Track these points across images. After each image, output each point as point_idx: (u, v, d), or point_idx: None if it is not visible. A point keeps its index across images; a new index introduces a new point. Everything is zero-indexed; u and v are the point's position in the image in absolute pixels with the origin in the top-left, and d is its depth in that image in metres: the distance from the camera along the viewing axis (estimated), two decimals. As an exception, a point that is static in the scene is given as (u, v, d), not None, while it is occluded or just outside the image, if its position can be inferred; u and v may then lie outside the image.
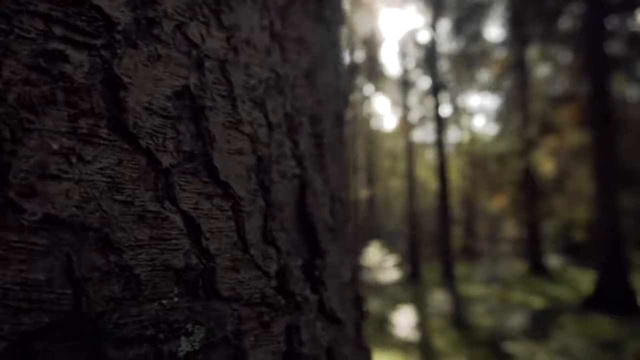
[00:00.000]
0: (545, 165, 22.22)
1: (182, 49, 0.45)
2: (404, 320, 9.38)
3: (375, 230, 24.77)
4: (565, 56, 18.80)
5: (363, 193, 27.51)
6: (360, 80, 26.43)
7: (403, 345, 9.04)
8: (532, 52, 19.75)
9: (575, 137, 17.92)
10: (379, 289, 12.23)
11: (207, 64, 0.48)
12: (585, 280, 15.05)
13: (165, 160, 0.42)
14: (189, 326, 0.40)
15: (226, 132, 0.49)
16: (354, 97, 26.27)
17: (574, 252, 20.32)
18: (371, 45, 23.27)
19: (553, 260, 20.10)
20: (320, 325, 0.58)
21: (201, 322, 0.41)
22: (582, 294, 13.02)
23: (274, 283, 0.51)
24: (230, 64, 0.51)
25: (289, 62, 0.61)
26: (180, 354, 0.39)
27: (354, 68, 25.43)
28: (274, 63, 0.57)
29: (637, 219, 18.34)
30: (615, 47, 17.02)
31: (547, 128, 18.61)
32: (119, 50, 0.39)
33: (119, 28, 0.39)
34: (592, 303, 11.95)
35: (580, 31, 14.07)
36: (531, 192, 19.34)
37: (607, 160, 12.53)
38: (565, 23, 16.55)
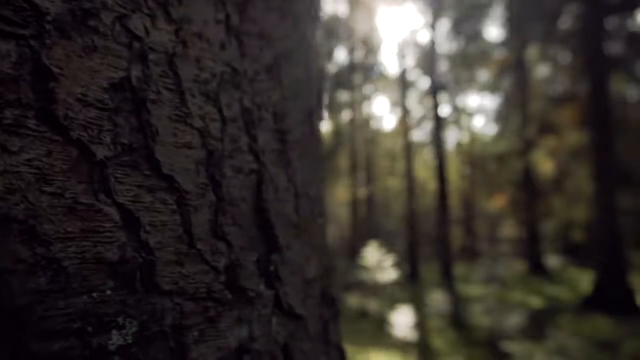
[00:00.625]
0: (545, 165, 22.22)
1: (122, 41, 0.44)
2: (402, 320, 9.36)
3: (374, 230, 24.75)
4: (565, 56, 18.80)
5: (362, 193, 27.51)
6: (359, 79, 26.43)
7: (401, 345, 9.04)
8: (532, 52, 19.75)
9: (575, 137, 17.91)
10: (378, 288, 12.22)
11: (152, 56, 0.47)
12: (584, 280, 15.05)
13: (100, 152, 0.41)
14: (120, 319, 0.39)
15: (173, 126, 0.48)
16: (353, 96, 26.28)
17: (573, 252, 20.31)
18: (370, 45, 23.28)
19: (552, 260, 20.09)
20: (276, 320, 0.57)
21: (133, 315, 0.41)
22: (581, 294, 13.02)
23: (222, 278, 0.51)
24: (179, 57, 0.50)
25: (249, 56, 0.60)
26: (111, 347, 0.38)
27: (353, 67, 25.43)
28: (229, 57, 0.57)
29: (636, 219, 18.32)
30: (614, 47, 17.04)
31: (547, 128, 18.61)
32: (48, 41, 0.39)
33: (49, 18, 0.39)
34: (591, 303, 11.95)
35: (579, 31, 14.06)
36: (530, 192, 19.33)
37: (606, 160, 12.53)
38: (565, 23, 16.55)
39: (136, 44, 0.46)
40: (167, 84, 0.49)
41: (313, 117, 0.77)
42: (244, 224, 0.56)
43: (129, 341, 0.40)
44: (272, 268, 0.57)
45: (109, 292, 0.39)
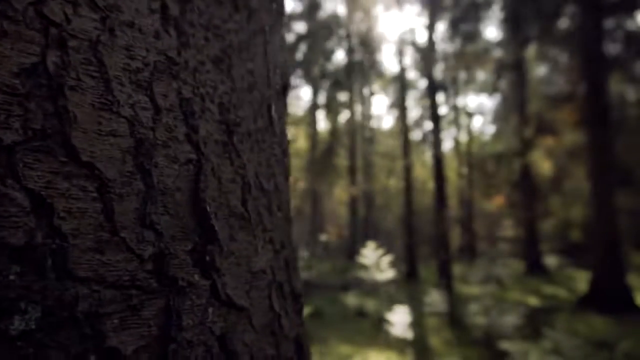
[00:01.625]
0: (543, 165, 22.22)
1: (36, 27, 0.44)
2: (399, 319, 9.36)
3: (374, 229, 24.78)
4: (563, 56, 18.80)
5: (361, 192, 27.51)
6: (358, 79, 26.45)
7: (399, 344, 9.05)
8: (530, 52, 19.76)
9: (573, 137, 17.92)
10: (376, 288, 12.24)
11: (72, 43, 0.47)
12: (582, 279, 15.07)
13: (8, 137, 0.41)
14: (22, 304, 0.39)
15: (96, 113, 0.48)
16: (352, 96, 26.29)
17: (572, 252, 20.34)
18: (369, 45, 23.30)
19: (550, 260, 20.11)
20: (213, 311, 0.57)
21: (36, 301, 0.40)
22: (578, 293, 13.04)
23: (149, 266, 0.51)
24: (104, 45, 0.50)
25: (192, 47, 0.60)
26: (13, 333, 0.38)
27: (351, 67, 25.45)
28: (165, 47, 0.57)
29: (635, 219, 18.33)
30: (612, 47, 17.04)
31: (545, 128, 18.61)
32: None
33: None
34: (588, 302, 11.97)
35: (577, 31, 14.06)
36: (528, 192, 19.35)
37: (604, 160, 12.54)
38: (563, 23, 16.55)
39: (53, 30, 0.46)
40: (89, 71, 0.48)
41: (271, 111, 0.77)
42: (178, 214, 0.55)
43: (32, 326, 0.39)
44: (208, 258, 0.57)
45: (12, 277, 0.39)
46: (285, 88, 0.90)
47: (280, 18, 0.88)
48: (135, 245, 0.50)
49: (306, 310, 12.14)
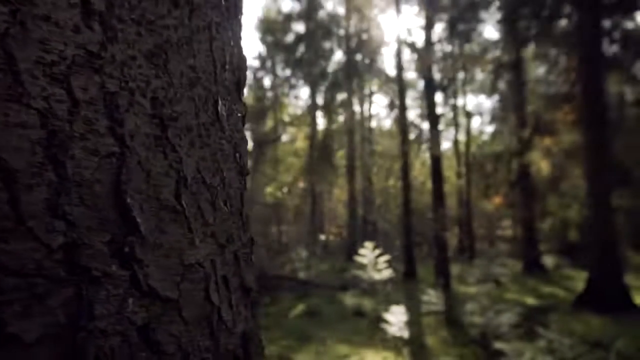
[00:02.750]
0: (541, 165, 22.21)
1: None
2: (396, 319, 9.39)
3: (373, 229, 24.79)
4: (562, 56, 18.78)
5: (360, 192, 27.51)
6: (357, 79, 26.46)
7: (395, 344, 9.07)
8: (528, 52, 19.76)
9: (571, 137, 17.91)
10: (374, 287, 12.26)
11: None
12: (580, 279, 15.06)
13: None
14: None
15: (3, 105, 0.49)
16: (350, 96, 26.30)
17: (570, 252, 20.34)
18: (368, 45, 23.31)
19: (549, 260, 20.13)
20: (133, 301, 0.58)
21: None
22: (576, 293, 13.04)
23: (58, 256, 0.51)
24: (14, 38, 0.51)
25: (120, 42, 0.61)
26: None
27: (350, 67, 25.45)
28: (86, 41, 0.58)
29: (633, 219, 18.31)
30: (611, 47, 17.02)
31: (543, 128, 18.61)
32: None
33: None
34: (585, 301, 11.98)
35: (575, 31, 14.06)
36: (527, 192, 19.37)
37: (601, 160, 12.54)
38: (561, 23, 16.55)
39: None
40: None
41: (218, 107, 0.78)
42: (96, 205, 0.56)
43: None
44: (127, 249, 0.58)
45: None
46: (239, 84, 0.91)
47: (233, 15, 0.89)
48: (44, 235, 0.51)
49: (304, 310, 12.16)
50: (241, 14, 0.92)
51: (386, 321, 9.44)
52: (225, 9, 0.84)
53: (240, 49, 0.91)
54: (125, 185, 0.59)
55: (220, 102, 0.78)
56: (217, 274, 0.72)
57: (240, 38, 0.92)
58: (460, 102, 28.01)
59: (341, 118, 29.24)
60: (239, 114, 0.90)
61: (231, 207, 0.80)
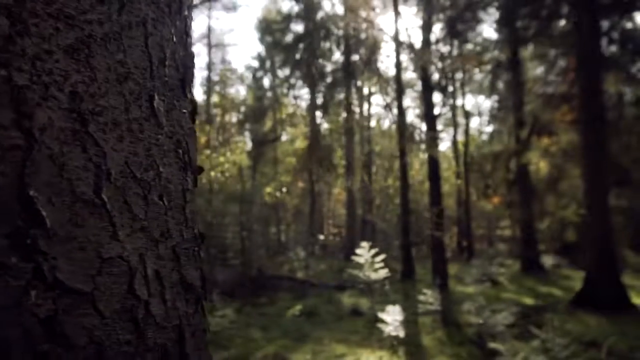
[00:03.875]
0: (540, 165, 22.20)
1: None
2: (392, 318, 9.39)
3: (371, 228, 24.78)
4: (560, 56, 18.75)
5: (359, 192, 27.49)
6: (356, 79, 26.44)
7: (391, 344, 9.08)
8: (526, 51, 19.73)
9: (570, 137, 17.89)
10: (371, 287, 12.26)
11: None
12: (578, 279, 15.04)
13: None
14: None
15: None
16: (349, 96, 26.27)
17: (569, 252, 20.33)
18: (367, 45, 23.28)
19: (547, 260, 20.11)
20: (36, 294, 0.59)
21: None
22: (573, 293, 13.02)
23: None
24: None
25: (33, 36, 0.62)
26: None
27: (349, 67, 25.44)
28: None
29: (632, 219, 18.30)
30: (610, 47, 17.00)
31: (541, 128, 18.59)
32: None
33: None
34: (582, 301, 11.97)
35: (573, 31, 14.05)
36: (525, 192, 19.35)
37: (598, 160, 12.53)
38: (560, 23, 16.53)
39: None
40: None
41: (154, 102, 0.79)
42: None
43: None
44: (29, 242, 0.59)
45: None
46: (184, 81, 0.91)
47: (176, 11, 0.89)
48: None
49: (301, 310, 12.16)
50: (187, 10, 0.93)
51: (382, 321, 9.44)
52: (166, 5, 0.85)
53: (186, 45, 0.92)
54: (30, 178, 0.60)
55: (157, 98, 0.78)
56: (147, 268, 0.72)
57: (186, 35, 0.92)
58: (459, 102, 28.02)
59: (340, 118, 29.22)
60: (184, 110, 0.90)
61: (170, 203, 0.81)
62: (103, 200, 0.67)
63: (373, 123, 32.34)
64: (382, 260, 11.74)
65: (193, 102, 0.97)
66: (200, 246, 0.96)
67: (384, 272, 11.61)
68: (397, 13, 16.43)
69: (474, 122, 34.41)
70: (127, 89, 0.73)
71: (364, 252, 11.79)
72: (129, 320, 0.69)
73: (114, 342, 0.66)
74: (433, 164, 14.31)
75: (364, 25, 19.24)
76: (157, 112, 0.78)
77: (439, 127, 30.22)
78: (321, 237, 26.01)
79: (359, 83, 27.30)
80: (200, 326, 0.88)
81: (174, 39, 0.86)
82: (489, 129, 27.70)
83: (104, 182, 0.68)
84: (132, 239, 0.71)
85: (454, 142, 28.12)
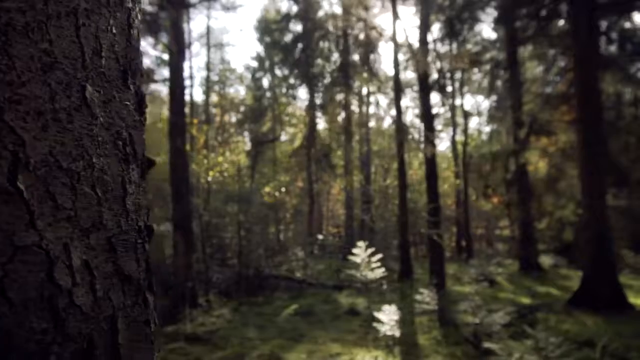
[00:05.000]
0: (539, 164, 22.19)
1: None
2: (388, 318, 9.38)
3: (371, 228, 24.75)
4: (559, 56, 18.75)
5: (358, 192, 27.48)
6: (355, 79, 26.44)
7: (387, 343, 9.08)
8: (525, 51, 19.72)
9: (568, 137, 17.89)
10: (369, 287, 12.25)
11: None
12: (576, 278, 15.06)
13: None
14: None
15: None
16: (348, 96, 26.28)
17: (567, 251, 20.32)
18: (365, 45, 23.29)
19: (545, 260, 20.10)
20: None
21: None
22: (571, 292, 13.02)
23: None
24: None
25: None
26: None
27: (348, 67, 25.45)
28: None
29: (631, 218, 18.27)
30: (607, 47, 17.00)
31: (540, 128, 18.58)
32: None
33: None
34: (579, 300, 11.97)
35: (571, 31, 14.04)
36: (524, 192, 19.34)
37: (596, 159, 12.53)
38: (558, 22, 16.52)
39: None
40: None
41: (86, 92, 0.79)
42: None
43: None
44: None
45: None
46: (125, 72, 0.91)
47: (116, 2, 0.88)
48: None
49: (298, 309, 12.16)
50: (130, 2, 0.92)
51: (378, 320, 9.43)
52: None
53: (129, 37, 0.91)
54: None
55: (90, 88, 0.78)
56: (73, 258, 0.72)
57: (129, 27, 0.92)
58: (458, 102, 28.01)
59: (339, 118, 29.23)
60: (127, 102, 0.90)
61: (105, 194, 0.80)
62: (19, 188, 0.67)
63: (372, 123, 32.38)
64: (380, 260, 11.72)
65: (139, 94, 0.97)
66: (146, 239, 0.95)
67: (380, 272, 11.59)
68: (395, 13, 16.43)
69: (474, 122, 34.46)
70: (54, 79, 0.73)
71: (360, 252, 11.77)
72: (47, 309, 0.68)
73: (28, 330, 0.66)
74: (430, 163, 14.31)
75: (362, 25, 19.23)
76: (89, 103, 0.78)
77: (439, 127, 30.26)
78: (320, 237, 26.00)
79: (357, 83, 27.30)
80: (141, 318, 0.87)
81: (113, 30, 0.86)
82: (488, 129, 27.68)
83: (20, 171, 0.67)
84: (54, 228, 0.71)
85: (453, 142, 28.12)
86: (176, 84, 13.22)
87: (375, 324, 9.38)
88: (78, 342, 0.72)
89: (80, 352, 0.72)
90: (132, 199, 0.89)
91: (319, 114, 29.09)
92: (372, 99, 30.10)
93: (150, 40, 21.01)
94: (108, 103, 0.83)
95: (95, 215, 0.78)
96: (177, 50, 12.87)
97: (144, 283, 0.90)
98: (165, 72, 18.87)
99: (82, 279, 0.73)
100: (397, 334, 9.17)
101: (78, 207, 0.74)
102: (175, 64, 13.12)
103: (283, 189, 24.18)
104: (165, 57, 17.34)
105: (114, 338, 0.78)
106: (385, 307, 9.70)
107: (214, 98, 31.05)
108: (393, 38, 17.26)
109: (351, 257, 12.04)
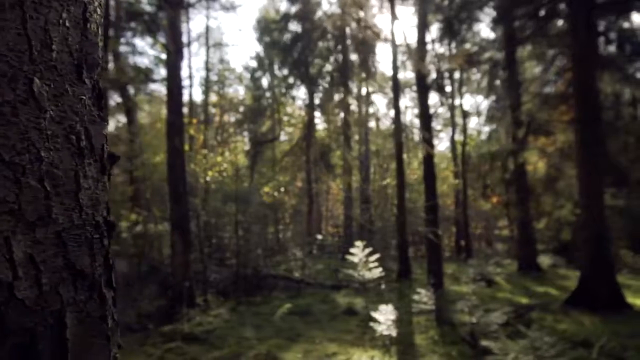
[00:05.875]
0: (537, 164, 22.17)
1: None
2: (385, 318, 9.39)
3: (369, 228, 24.74)
4: (558, 56, 18.72)
5: (356, 191, 27.47)
6: (354, 79, 26.45)
7: (384, 343, 9.08)
8: (523, 51, 19.71)
9: (566, 137, 17.88)
10: (367, 287, 12.25)
11: None
12: (574, 278, 15.02)
13: None
14: None
15: None
16: (347, 96, 26.26)
17: (566, 251, 20.30)
18: (364, 45, 23.27)
19: (544, 260, 20.09)
20: None
21: None
22: (569, 292, 13.01)
23: None
24: None
25: None
26: None
27: (347, 67, 25.45)
28: None
29: (629, 218, 18.25)
30: (606, 47, 16.97)
31: (538, 127, 18.57)
32: None
33: None
34: (577, 300, 11.96)
35: (569, 31, 14.03)
36: (522, 192, 19.32)
37: (594, 159, 12.51)
38: (557, 22, 16.50)
39: None
40: None
41: (33, 86, 0.78)
42: None
43: None
44: None
45: None
46: (80, 66, 0.90)
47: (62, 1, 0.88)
48: None
49: (295, 309, 12.15)
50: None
51: (375, 320, 9.43)
52: None
53: (84, 31, 0.91)
54: None
55: (38, 82, 0.78)
56: (15, 252, 0.72)
57: (85, 20, 0.91)
58: (457, 102, 28.00)
59: (338, 118, 29.22)
60: (82, 97, 0.89)
61: (56, 188, 0.80)
62: None
63: (372, 123, 32.36)
64: (378, 260, 11.72)
65: (97, 88, 0.96)
66: (105, 234, 0.95)
67: (378, 272, 11.60)
68: (393, 13, 16.43)
69: (473, 122, 34.45)
70: None
71: (357, 252, 11.77)
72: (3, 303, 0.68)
73: None
74: (428, 161, 14.31)
75: (361, 25, 19.23)
76: (37, 96, 0.78)
77: (438, 127, 30.25)
78: (319, 236, 25.99)
79: (357, 83, 27.31)
80: (96, 314, 0.87)
81: (67, 24, 0.85)
82: (487, 128, 27.65)
83: None
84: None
85: (452, 142, 28.11)
86: (174, 83, 13.22)
87: (372, 324, 9.38)
88: (19, 336, 0.71)
89: (23, 347, 0.71)
90: (87, 194, 0.88)
91: (317, 113, 29.09)
92: (371, 99, 30.07)
93: (149, 40, 21.03)
94: (60, 97, 0.83)
95: (42, 209, 0.77)
96: (175, 49, 12.87)
97: (100, 278, 0.90)
98: (164, 72, 18.85)
99: (26, 272, 0.73)
100: (394, 333, 9.17)
101: (22, 201, 0.74)
102: (173, 64, 13.13)
103: (282, 189, 24.16)
104: (164, 57, 17.37)
105: (61, 333, 0.78)
106: (383, 306, 9.70)
107: (213, 98, 31.05)
108: (391, 38, 17.26)
109: (348, 257, 12.05)
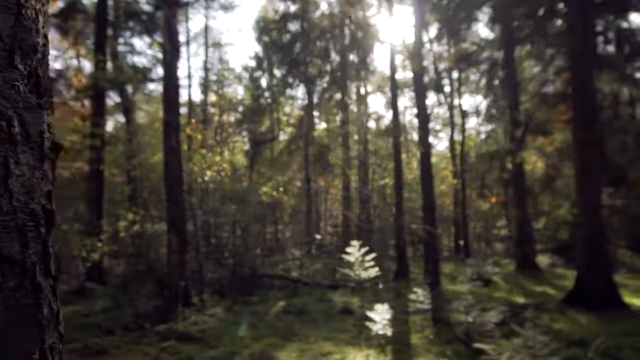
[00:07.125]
0: (536, 164, 22.16)
1: None
2: (381, 317, 9.36)
3: (367, 228, 24.74)
4: (556, 55, 18.70)
5: (355, 191, 27.46)
6: (353, 79, 26.44)
7: (378, 342, 9.06)
8: (522, 51, 19.68)
9: (564, 136, 17.87)
10: (364, 286, 12.23)
11: None
12: (572, 278, 14.99)
13: None
14: None
15: None
16: (346, 96, 26.26)
17: (564, 251, 20.27)
18: (363, 45, 23.29)
19: (542, 259, 20.07)
20: None
21: None
22: (565, 292, 12.99)
23: None
24: None
25: None
26: None
27: (346, 67, 25.44)
28: None
29: (628, 218, 18.24)
30: (605, 47, 16.97)
31: (536, 127, 18.56)
32: None
33: None
34: (574, 299, 11.95)
35: (567, 30, 14.01)
36: (521, 192, 19.30)
37: (590, 158, 12.50)
38: (555, 22, 16.49)
39: None
40: None
41: None
42: None
43: None
44: None
45: None
46: (12, 52, 0.89)
47: None
48: None
49: (292, 308, 12.14)
50: None
51: (371, 319, 9.41)
52: None
53: (18, 17, 0.90)
54: None
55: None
56: None
57: (19, 5, 0.90)
58: (456, 101, 27.96)
59: (337, 118, 29.21)
60: (15, 83, 0.88)
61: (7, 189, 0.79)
62: None
63: (371, 123, 32.35)
64: (376, 259, 11.70)
65: (34, 75, 0.95)
66: (42, 222, 0.94)
67: (374, 271, 11.58)
68: (391, 13, 16.41)
69: (472, 122, 34.41)
70: None
71: (354, 251, 11.75)
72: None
73: None
74: (425, 159, 14.30)
75: (359, 25, 19.23)
76: None
77: (437, 127, 30.23)
78: (318, 236, 25.98)
79: (356, 83, 27.30)
80: (26, 302, 0.86)
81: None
82: (486, 128, 27.63)
83: None
84: None
85: (451, 142, 28.06)
86: (170, 82, 13.21)
87: (368, 323, 9.36)
88: None
89: None
90: (20, 181, 0.87)
91: (316, 113, 29.08)
92: (369, 98, 30.06)
93: (147, 39, 21.05)
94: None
95: None
96: (171, 48, 12.86)
97: (32, 266, 0.88)
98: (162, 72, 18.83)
99: None
100: (389, 332, 9.15)
101: None
102: (169, 63, 13.11)
103: (281, 189, 24.14)
104: (162, 56, 17.34)
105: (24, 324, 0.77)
106: (379, 306, 9.68)
107: (212, 98, 31.01)
108: (389, 38, 17.24)
109: (345, 257, 12.03)
